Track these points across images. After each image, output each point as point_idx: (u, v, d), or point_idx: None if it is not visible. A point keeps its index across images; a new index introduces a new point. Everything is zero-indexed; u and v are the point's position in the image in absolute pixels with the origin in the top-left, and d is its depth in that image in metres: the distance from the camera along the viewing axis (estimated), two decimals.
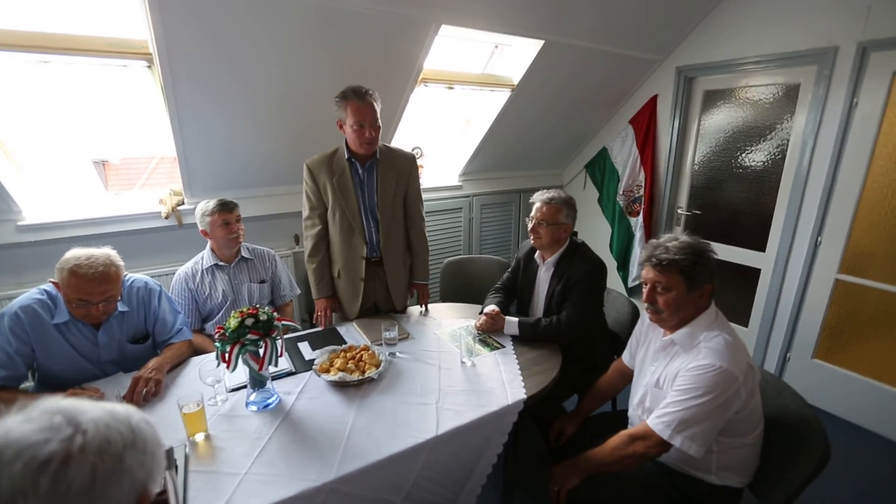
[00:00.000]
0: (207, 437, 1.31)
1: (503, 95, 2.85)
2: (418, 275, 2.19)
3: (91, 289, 1.47)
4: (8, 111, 2.04)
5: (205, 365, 1.49)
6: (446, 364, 1.71)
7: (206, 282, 2.05)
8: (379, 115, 1.84)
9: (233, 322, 1.35)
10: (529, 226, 1.97)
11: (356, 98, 1.78)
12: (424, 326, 2.04)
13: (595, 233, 3.77)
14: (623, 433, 1.36)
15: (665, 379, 1.37)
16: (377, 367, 1.62)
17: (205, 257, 2.08)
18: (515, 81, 2.75)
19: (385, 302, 2.15)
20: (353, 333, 1.97)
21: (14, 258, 2.13)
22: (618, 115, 3.48)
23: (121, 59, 1.73)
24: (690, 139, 3.13)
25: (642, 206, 3.32)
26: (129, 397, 1.44)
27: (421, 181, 3.19)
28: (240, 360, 1.37)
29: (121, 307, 1.64)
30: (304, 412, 1.43)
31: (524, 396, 1.50)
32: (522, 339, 1.88)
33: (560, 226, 1.90)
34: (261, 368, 1.38)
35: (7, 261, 2.13)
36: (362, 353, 1.69)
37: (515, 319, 1.91)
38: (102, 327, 1.61)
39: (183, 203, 2.45)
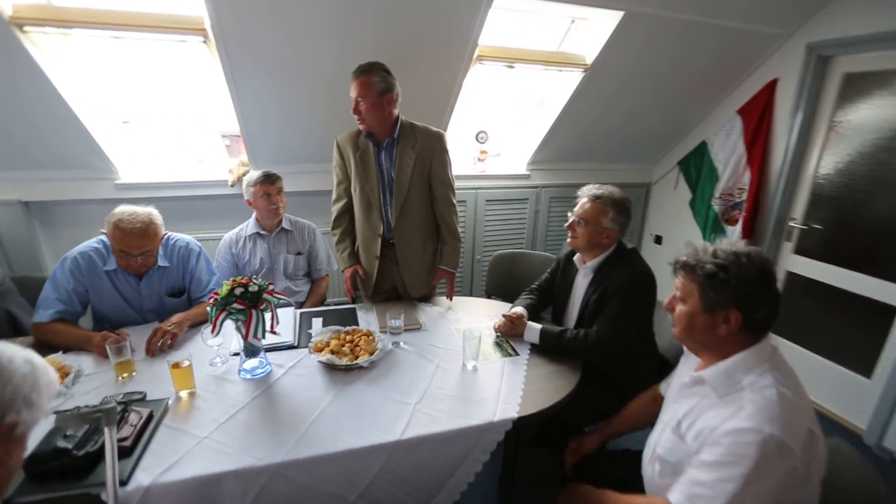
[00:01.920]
0: (192, 395, 1.37)
1: (575, 76, 2.54)
2: (445, 261, 2.07)
3: (130, 242, 1.62)
4: (122, 85, 2.36)
5: (209, 327, 1.56)
6: (447, 364, 1.58)
7: (247, 248, 2.17)
8: (374, 93, 1.74)
9: (224, 289, 1.38)
10: (567, 221, 1.73)
11: (352, 75, 1.75)
12: (444, 319, 1.93)
13: (682, 240, 3.26)
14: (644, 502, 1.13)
15: (688, 428, 1.07)
16: (371, 354, 1.55)
17: (249, 225, 2.19)
18: (589, 60, 2.43)
19: (402, 286, 2.08)
20: (371, 316, 1.93)
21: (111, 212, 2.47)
22: (723, 103, 2.93)
23: (179, 35, 1.86)
24: (818, 135, 2.50)
25: (743, 214, 2.77)
26: (148, 345, 1.57)
27: (485, 169, 3.10)
28: (230, 327, 1.41)
29: (162, 262, 1.79)
30: (285, 388, 1.43)
31: (514, 416, 1.32)
32: (542, 350, 1.67)
33: (602, 230, 1.64)
34: (245, 338, 1.40)
35: (106, 213, 2.47)
36: (361, 337, 1.64)
37: (538, 326, 1.70)
38: (145, 278, 1.77)
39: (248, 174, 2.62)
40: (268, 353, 1.55)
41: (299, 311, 1.94)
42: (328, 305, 2.24)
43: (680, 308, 1.07)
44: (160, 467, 1.08)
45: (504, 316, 1.77)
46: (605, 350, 1.59)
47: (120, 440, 1.13)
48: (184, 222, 2.50)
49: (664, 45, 2.40)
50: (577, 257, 1.79)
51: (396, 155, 1.89)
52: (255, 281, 1.41)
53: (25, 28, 1.73)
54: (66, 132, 2.15)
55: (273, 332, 1.51)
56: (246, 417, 1.28)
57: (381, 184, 1.93)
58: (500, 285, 2.62)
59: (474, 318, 1.94)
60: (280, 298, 1.49)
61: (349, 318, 1.89)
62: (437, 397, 1.39)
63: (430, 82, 2.35)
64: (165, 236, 1.81)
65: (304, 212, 2.44)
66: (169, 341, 1.60)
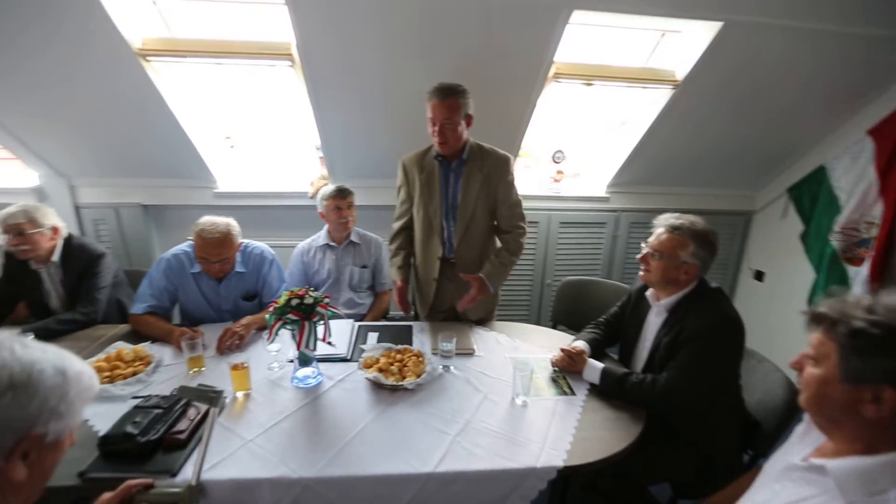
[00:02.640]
0: (247, 396, 1.44)
1: (663, 93, 2.34)
2: (486, 270, 1.90)
3: (209, 250, 1.78)
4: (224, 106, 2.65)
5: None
6: (495, 395, 1.50)
7: (316, 258, 2.28)
8: (460, 116, 1.74)
9: (282, 299, 1.44)
10: (641, 253, 1.57)
11: (436, 96, 1.73)
12: (499, 345, 1.84)
13: (789, 278, 2.84)
14: None
15: None
16: (418, 376, 1.52)
17: (321, 236, 2.31)
18: (679, 76, 2.23)
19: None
20: (425, 336, 1.91)
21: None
22: (848, 122, 2.51)
23: (269, 60, 2.04)
24: None
25: (871, 253, 2.33)
26: (218, 344, 1.70)
27: (560, 190, 2.97)
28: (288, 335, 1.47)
29: (239, 268, 1.94)
30: (331, 400, 1.45)
31: (560, 464, 1.20)
32: (602, 392, 1.52)
33: (678, 264, 1.46)
34: (298, 347, 1.45)
35: None
36: (412, 358, 1.62)
37: (599, 365, 1.55)
38: (224, 282, 1.93)
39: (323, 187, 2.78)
40: (320, 364, 1.60)
41: (358, 323, 1.99)
42: (390, 320, 2.28)
43: (811, 371, 0.85)
44: (207, 464, 1.14)
45: (562, 350, 1.64)
46: (674, 401, 1.41)
47: (176, 433, 1.22)
48: (265, 229, 2.71)
49: (769, 58, 2.12)
50: (650, 293, 1.62)
51: (463, 177, 1.87)
52: (311, 293, 1.46)
53: (149, 58, 2.01)
54: (177, 146, 2.45)
55: (328, 344, 1.56)
56: (290, 426, 1.32)
57: (445, 205, 1.91)
58: (567, 314, 2.46)
59: (532, 348, 1.83)
60: (334, 312, 1.52)
61: (404, 335, 1.88)
62: (480, 431, 1.32)
63: (503, 102, 2.31)
64: (243, 244, 1.96)
65: (374, 226, 2.51)
66: (237, 342, 1.72)
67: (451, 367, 1.64)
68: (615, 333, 1.79)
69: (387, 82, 2.20)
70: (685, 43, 2.18)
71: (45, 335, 1.69)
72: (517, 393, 1.48)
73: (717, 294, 1.48)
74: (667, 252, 1.48)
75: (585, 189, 3.11)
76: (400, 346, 1.71)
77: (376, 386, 1.51)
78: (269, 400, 1.43)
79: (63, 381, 0.71)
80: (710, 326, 1.40)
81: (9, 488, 0.68)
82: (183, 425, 1.24)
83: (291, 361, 1.60)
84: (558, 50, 2.05)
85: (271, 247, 2.10)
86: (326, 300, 1.50)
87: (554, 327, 2.37)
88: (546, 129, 2.76)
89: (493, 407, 1.44)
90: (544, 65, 2.10)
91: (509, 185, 1.91)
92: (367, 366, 1.58)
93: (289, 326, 1.43)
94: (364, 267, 2.31)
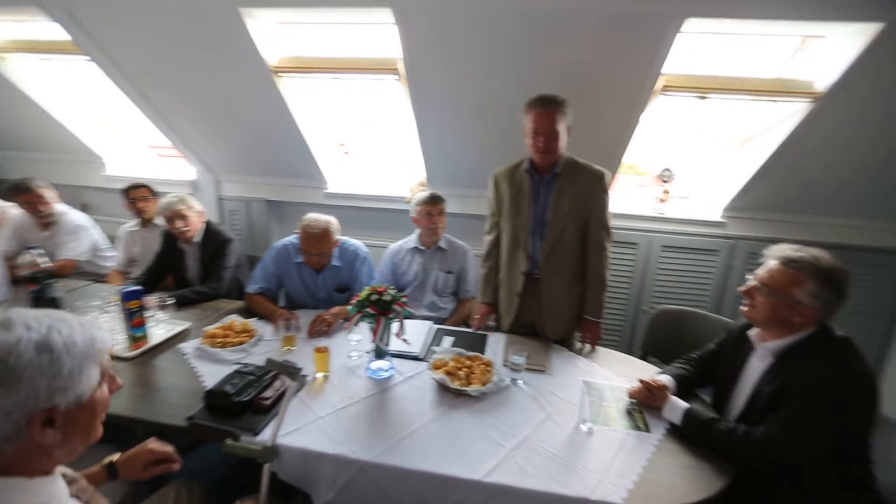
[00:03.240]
0: (325, 378, 1.58)
1: (798, 107, 2.04)
2: (589, 309, 1.92)
3: (310, 243, 1.99)
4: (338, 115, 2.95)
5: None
6: (560, 417, 1.44)
7: (405, 260, 2.41)
8: (562, 127, 1.73)
9: (363, 294, 1.55)
10: (745, 285, 1.40)
11: (537, 106, 1.73)
12: (575, 367, 1.76)
13: None
14: None
15: None
16: (483, 384, 1.53)
17: (411, 239, 2.43)
18: (821, 87, 1.92)
19: (541, 326, 1.98)
20: (500, 347, 1.90)
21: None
22: None
23: (378, 74, 2.23)
24: None
25: None
26: (310, 328, 1.89)
27: (665, 211, 2.75)
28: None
29: (335, 262, 2.14)
30: (398, 394, 1.52)
31: (618, 502, 1.11)
32: (684, 435, 1.37)
33: (792, 304, 1.26)
34: (373, 340, 1.55)
35: None
36: (480, 366, 1.63)
37: (683, 405, 1.40)
38: (321, 273, 2.14)
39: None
40: (394, 359, 1.68)
41: (436, 326, 2.05)
42: (469, 327, 2.31)
43: None
44: (283, 430, 1.27)
45: (641, 381, 1.52)
46: (770, 460, 1.22)
47: (263, 398, 1.38)
48: (364, 229, 2.94)
49: None
50: (754, 333, 1.42)
51: (555, 192, 1.84)
52: (389, 291, 1.56)
53: (280, 74, 2.33)
54: (298, 151, 2.79)
55: (404, 341, 1.64)
56: (357, 411, 1.41)
57: (533, 220, 1.89)
58: (660, 345, 2.26)
59: (611, 375, 1.72)
60: (409, 311, 1.60)
61: (478, 343, 1.90)
62: (536, 450, 1.28)
63: (604, 115, 2.22)
64: (341, 240, 2.15)
65: (465, 234, 2.56)
66: (325, 328, 1.89)
67: (520, 382, 1.62)
68: (709, 373, 1.60)
69: (485, 95, 2.26)
70: (830, 50, 1.88)
71: (182, 302, 2.03)
72: (583, 419, 1.40)
73: (842, 344, 1.25)
74: (777, 288, 1.29)
75: (696, 212, 2.82)
76: (471, 353, 1.72)
77: (442, 388, 1.54)
78: (344, 384, 1.55)
79: (50, 358, 0.66)
80: (828, 381, 1.18)
81: (48, 450, 0.69)
82: (269, 393, 1.41)
83: (368, 353, 1.72)
84: (667, 61, 1.91)
85: (367, 245, 2.28)
86: (403, 299, 1.59)
87: (644, 358, 2.19)
88: (652, 145, 2.58)
89: (556, 428, 1.38)
90: (650, 77, 1.97)
91: (603, 203, 1.85)
92: (436, 367, 1.62)
93: (367, 319, 1.54)
94: (449, 272, 2.37)
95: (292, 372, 1.24)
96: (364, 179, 3.18)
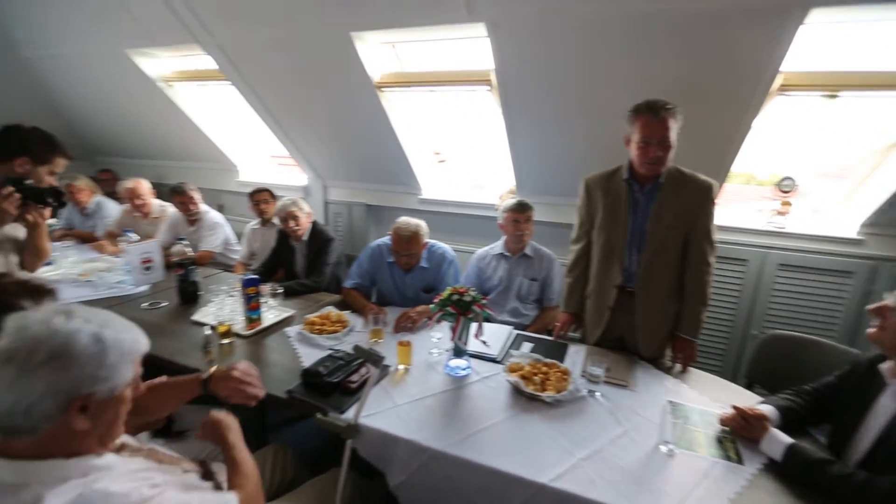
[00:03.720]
0: (406, 371, 1.69)
1: None
2: (684, 327, 1.79)
3: (400, 244, 2.14)
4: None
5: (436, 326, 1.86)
6: (639, 435, 1.37)
7: (490, 265, 2.45)
8: (673, 133, 1.62)
9: (445, 293, 1.63)
10: (877, 303, 1.22)
11: (648, 112, 1.63)
12: (661, 386, 1.66)
13: None
14: None
15: None
16: (558, 392, 1.51)
17: (498, 245, 2.47)
18: None
19: (632, 341, 1.88)
20: (580, 357, 1.85)
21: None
22: None
23: (470, 86, 2.32)
24: None
25: None
26: (396, 323, 2.02)
27: (786, 225, 2.47)
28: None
29: (423, 263, 2.26)
30: (472, 393, 1.57)
31: None
32: (785, 473, 1.23)
33: None
34: (452, 338, 1.62)
35: None
36: (556, 373, 1.62)
37: (786, 440, 1.25)
38: (410, 273, 2.28)
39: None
40: (472, 359, 1.74)
41: (516, 331, 2.06)
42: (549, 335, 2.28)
43: None
44: (364, 412, 1.39)
45: (735, 408, 1.38)
46: None
47: (350, 381, 1.53)
48: (453, 234, 3.05)
49: None
50: (886, 366, 1.23)
51: (656, 203, 1.74)
52: (470, 292, 1.62)
53: (383, 89, 2.54)
54: (396, 159, 3.00)
55: (482, 343, 1.69)
56: (432, 403, 1.49)
57: (631, 232, 1.80)
58: (769, 375, 2.02)
59: (702, 398, 1.58)
60: (488, 313, 1.65)
61: (557, 351, 1.87)
62: (608, 464, 1.24)
63: (712, 120, 2.06)
64: (430, 243, 2.27)
65: (552, 242, 2.54)
66: (409, 325, 2.02)
67: (598, 394, 1.57)
68: (824, 410, 1.40)
69: (577, 103, 2.24)
70: None
71: (289, 292, 2.31)
72: (665, 439, 1.32)
73: None
74: None
75: (824, 227, 2.47)
76: (549, 360, 1.71)
77: (516, 391, 1.56)
78: (423, 378, 1.65)
79: (101, 349, 0.74)
80: None
81: (76, 435, 0.74)
82: (355, 378, 1.55)
83: (448, 351, 1.80)
84: (786, 57, 1.72)
85: (455, 250, 2.37)
86: (483, 301, 1.64)
87: (749, 387, 1.97)
88: (772, 151, 2.32)
89: (632, 445, 1.33)
90: (767, 76, 1.79)
91: (709, 215, 1.72)
92: (512, 370, 1.64)
93: (447, 318, 1.61)
94: (533, 280, 2.37)
95: (376, 360, 1.35)
96: (456, 187, 3.31)
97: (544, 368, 1.65)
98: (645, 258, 1.77)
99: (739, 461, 1.27)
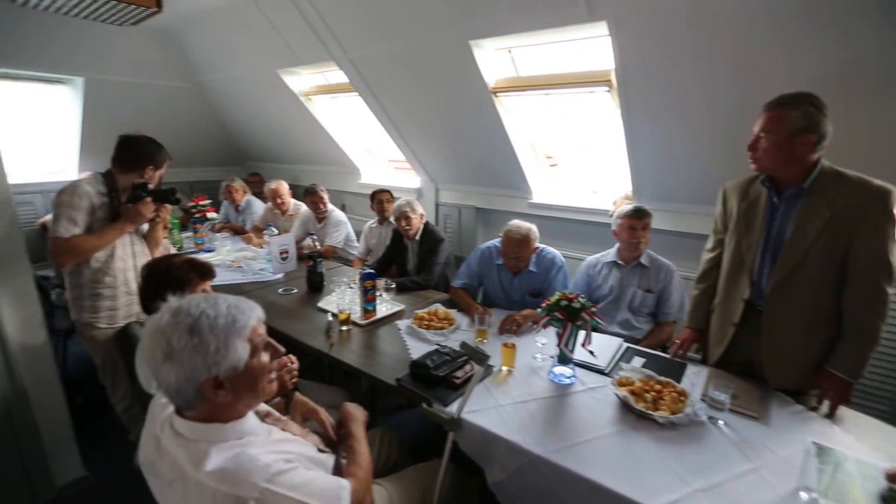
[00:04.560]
0: (509, 372, 1.70)
1: None
2: (839, 364, 1.49)
3: (510, 247, 2.16)
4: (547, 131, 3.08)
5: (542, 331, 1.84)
6: (771, 475, 1.20)
7: (601, 273, 2.34)
8: (785, 130, 1.41)
9: (554, 298, 1.61)
10: None
11: (766, 106, 1.48)
12: (804, 425, 1.43)
13: None
14: None
15: None
16: (672, 413, 1.40)
17: (610, 253, 2.35)
18: None
19: (759, 367, 1.65)
20: (701, 379, 1.68)
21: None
22: None
23: (589, 87, 2.23)
24: None
25: None
26: (501, 325, 2.04)
27: None
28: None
29: (532, 267, 2.26)
30: (576, 402, 1.53)
31: None
32: None
33: None
34: (558, 345, 1.59)
35: None
36: (671, 393, 1.49)
37: None
38: (517, 277, 2.29)
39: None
40: (578, 368, 1.69)
41: (626, 344, 1.95)
42: (665, 352, 2.11)
43: None
44: (467, 408, 1.44)
45: None
46: None
47: (454, 377, 1.58)
48: (563, 239, 2.98)
49: None
50: None
51: (799, 210, 1.50)
52: (579, 299, 1.58)
53: (498, 94, 2.58)
54: (508, 163, 3.03)
55: (590, 352, 1.64)
56: (534, 408, 1.48)
57: (765, 241, 1.59)
58: None
59: (860, 446, 1.33)
60: (598, 322, 1.58)
61: (673, 370, 1.72)
62: (731, 500, 1.11)
63: (886, 115, 1.72)
64: (539, 248, 2.25)
65: (673, 253, 2.34)
66: (514, 327, 2.02)
67: (720, 422, 1.41)
68: None
69: (707, 103, 2.04)
70: None
71: (401, 288, 2.47)
72: (806, 486, 1.15)
73: None
74: None
75: None
76: (663, 378, 1.59)
77: (624, 406, 1.48)
78: (525, 381, 1.64)
79: (199, 340, 0.82)
80: None
81: (224, 406, 0.86)
82: (459, 374, 1.60)
83: (552, 357, 1.77)
84: None
85: (565, 256, 2.32)
86: (593, 309, 1.59)
87: None
88: None
89: (763, 485, 1.17)
90: None
91: (882, 231, 1.40)
92: (621, 384, 1.56)
93: (554, 324, 1.59)
94: (648, 291, 2.21)
95: (482, 358, 1.39)
96: (568, 191, 3.22)
97: (658, 386, 1.54)
98: (779, 273, 1.53)
99: None
